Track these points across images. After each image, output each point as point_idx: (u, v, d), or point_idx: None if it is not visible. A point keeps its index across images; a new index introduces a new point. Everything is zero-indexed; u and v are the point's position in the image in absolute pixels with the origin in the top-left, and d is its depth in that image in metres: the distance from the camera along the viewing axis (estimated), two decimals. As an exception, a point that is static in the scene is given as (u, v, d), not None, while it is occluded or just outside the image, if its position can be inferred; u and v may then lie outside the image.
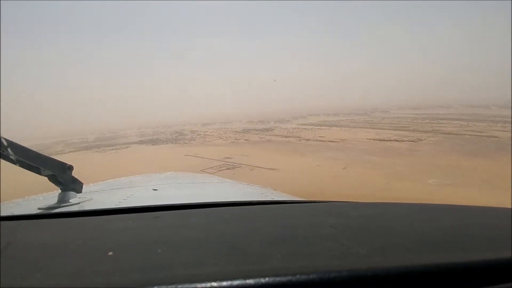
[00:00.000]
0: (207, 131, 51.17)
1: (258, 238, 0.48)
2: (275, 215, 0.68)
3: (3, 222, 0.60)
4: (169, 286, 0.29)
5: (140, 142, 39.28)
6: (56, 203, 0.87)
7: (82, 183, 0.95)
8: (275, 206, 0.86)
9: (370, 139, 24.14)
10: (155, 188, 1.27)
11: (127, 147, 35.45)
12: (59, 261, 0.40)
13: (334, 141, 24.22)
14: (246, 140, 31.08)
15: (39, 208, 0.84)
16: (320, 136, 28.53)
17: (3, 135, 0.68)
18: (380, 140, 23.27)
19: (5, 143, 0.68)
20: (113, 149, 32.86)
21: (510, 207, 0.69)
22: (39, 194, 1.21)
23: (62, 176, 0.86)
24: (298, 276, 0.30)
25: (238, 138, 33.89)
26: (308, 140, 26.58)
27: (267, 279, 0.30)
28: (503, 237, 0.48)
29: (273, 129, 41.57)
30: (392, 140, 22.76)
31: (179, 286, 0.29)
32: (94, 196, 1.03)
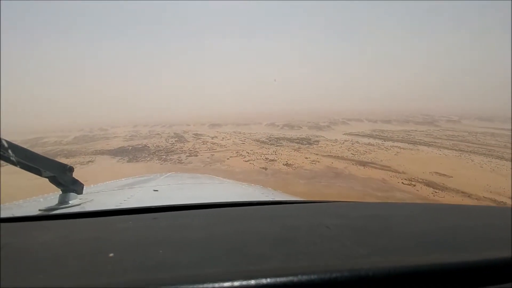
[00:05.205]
0: (216, 136, 37.53)
1: (259, 238, 0.48)
2: (275, 215, 0.67)
3: (4, 224, 0.60)
4: (171, 287, 0.29)
5: (115, 153, 26.15)
6: (57, 205, 0.87)
7: (82, 184, 0.95)
8: (276, 207, 0.83)
9: None
10: (155, 189, 1.27)
11: (88, 162, 22.55)
12: (60, 262, 0.40)
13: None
14: (286, 165, 17.54)
15: (40, 210, 0.84)
16: (435, 173, 14.69)
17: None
18: None
19: (5, 144, 0.69)
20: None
21: (510, 206, 0.66)
22: (40, 196, 1.19)
23: (63, 178, 0.86)
24: (299, 277, 0.30)
25: (269, 157, 20.26)
26: (439, 190, 12.64)
27: (268, 279, 0.30)
28: (503, 237, 0.48)
29: (317, 141, 27.75)
30: None
31: (181, 287, 0.29)
32: (94, 197, 1.03)
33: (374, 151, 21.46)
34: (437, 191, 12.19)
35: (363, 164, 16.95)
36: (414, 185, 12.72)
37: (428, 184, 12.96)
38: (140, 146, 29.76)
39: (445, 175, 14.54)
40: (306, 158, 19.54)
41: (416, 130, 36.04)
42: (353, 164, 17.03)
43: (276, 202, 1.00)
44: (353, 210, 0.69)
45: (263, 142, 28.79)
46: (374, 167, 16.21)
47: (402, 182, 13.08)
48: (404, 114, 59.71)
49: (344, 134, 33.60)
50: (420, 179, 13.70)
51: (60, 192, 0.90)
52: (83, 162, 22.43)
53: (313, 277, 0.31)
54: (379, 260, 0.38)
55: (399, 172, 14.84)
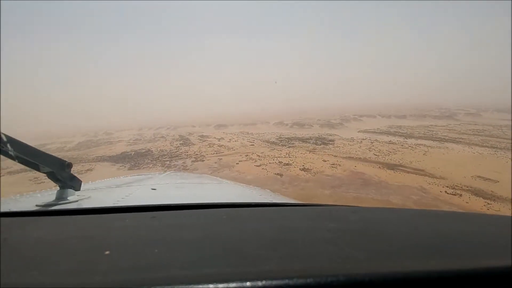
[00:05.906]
0: (223, 138, 35.59)
1: (256, 240, 0.48)
2: (273, 217, 0.67)
3: (0, 218, 0.60)
4: (165, 287, 0.29)
5: (116, 159, 24.63)
6: (54, 201, 0.87)
7: (80, 181, 0.95)
8: (274, 209, 0.84)
9: None
10: (154, 188, 1.25)
11: (87, 170, 21.05)
12: (55, 259, 0.40)
13: None
14: (304, 170, 15.71)
15: (37, 205, 0.84)
16: (478, 177, 12.67)
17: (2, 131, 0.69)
18: None
19: (4, 139, 0.68)
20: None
21: (510, 214, 0.67)
22: (37, 191, 1.18)
23: (61, 174, 0.86)
24: (295, 280, 0.30)
25: (283, 160, 18.40)
26: (491, 201, 10.71)
27: (263, 281, 0.30)
28: (503, 245, 0.48)
29: (332, 141, 25.74)
30: None
31: (175, 287, 0.28)
32: (92, 194, 1.02)
33: (399, 151, 19.43)
34: (489, 202, 10.20)
35: (392, 167, 14.98)
36: (461, 195, 10.75)
37: (476, 192, 10.97)
38: (143, 150, 28.21)
39: (489, 179, 12.50)
40: (325, 161, 17.64)
41: (436, 125, 33.64)
42: (379, 167, 15.08)
43: (274, 204, 0.99)
44: (351, 214, 0.68)
45: (273, 143, 26.90)
46: (406, 171, 14.24)
47: (446, 191, 11.11)
48: (417, 108, 57.06)
49: (359, 131, 31.47)
50: (465, 186, 11.71)
51: (58, 188, 0.89)
52: (82, 171, 20.97)
53: (308, 281, 0.30)
54: (376, 265, 0.38)
55: (436, 178, 12.85)
